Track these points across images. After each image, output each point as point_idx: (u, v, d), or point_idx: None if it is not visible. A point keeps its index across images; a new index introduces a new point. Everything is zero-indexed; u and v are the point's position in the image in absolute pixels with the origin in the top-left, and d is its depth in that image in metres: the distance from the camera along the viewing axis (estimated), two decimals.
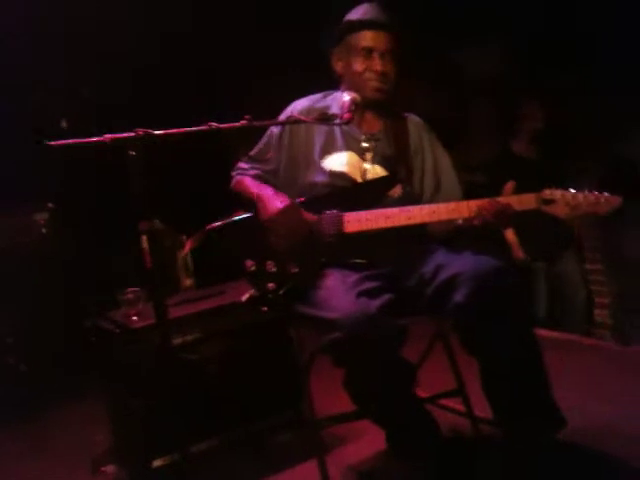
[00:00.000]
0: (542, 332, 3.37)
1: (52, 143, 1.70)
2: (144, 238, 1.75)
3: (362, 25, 2.25)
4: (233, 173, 2.42)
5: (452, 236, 2.22)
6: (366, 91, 2.24)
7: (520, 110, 4.06)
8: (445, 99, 4.54)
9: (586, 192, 1.95)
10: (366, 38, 2.23)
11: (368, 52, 2.23)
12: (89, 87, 4.32)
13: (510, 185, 2.03)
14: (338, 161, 2.27)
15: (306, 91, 2.42)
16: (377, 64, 2.22)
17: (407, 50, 2.27)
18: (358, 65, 2.24)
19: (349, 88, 2.24)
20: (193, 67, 4.48)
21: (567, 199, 1.96)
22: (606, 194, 1.94)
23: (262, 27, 4.37)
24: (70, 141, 1.73)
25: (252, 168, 2.38)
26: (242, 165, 2.41)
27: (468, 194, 2.29)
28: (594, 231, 4.05)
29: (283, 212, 2.11)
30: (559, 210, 1.98)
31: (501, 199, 2.01)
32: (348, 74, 2.30)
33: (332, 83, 2.40)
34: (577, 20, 3.70)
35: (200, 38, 4.27)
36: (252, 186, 2.28)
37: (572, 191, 1.96)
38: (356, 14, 2.29)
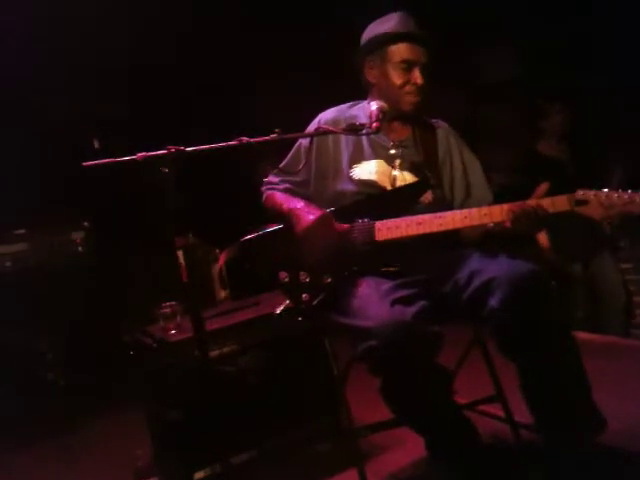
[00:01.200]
0: (581, 335, 3.32)
1: (87, 164, 1.74)
2: (180, 253, 1.78)
3: (402, 37, 2.22)
4: (263, 188, 2.44)
5: (484, 240, 2.20)
6: (403, 104, 2.25)
7: (543, 110, 4.03)
8: (459, 101, 4.52)
9: (620, 191, 1.89)
10: (407, 51, 2.22)
11: (408, 65, 2.22)
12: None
13: (543, 187, 1.99)
14: (367, 170, 2.28)
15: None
16: (417, 77, 2.21)
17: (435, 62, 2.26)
18: (397, 78, 2.23)
19: (381, 98, 2.21)
20: (195, 70, 4.49)
21: (601, 199, 1.90)
22: None
23: (264, 27, 4.37)
24: (104, 161, 1.77)
25: (282, 181, 2.39)
26: (272, 179, 2.43)
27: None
28: (627, 229, 3.99)
29: (317, 224, 2.11)
30: (593, 211, 1.92)
31: (533, 202, 1.98)
32: (383, 85, 2.28)
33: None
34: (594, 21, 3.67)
35: (202, 39, 4.29)
36: (283, 201, 2.29)
37: (605, 191, 1.91)
38: (389, 25, 2.26)
